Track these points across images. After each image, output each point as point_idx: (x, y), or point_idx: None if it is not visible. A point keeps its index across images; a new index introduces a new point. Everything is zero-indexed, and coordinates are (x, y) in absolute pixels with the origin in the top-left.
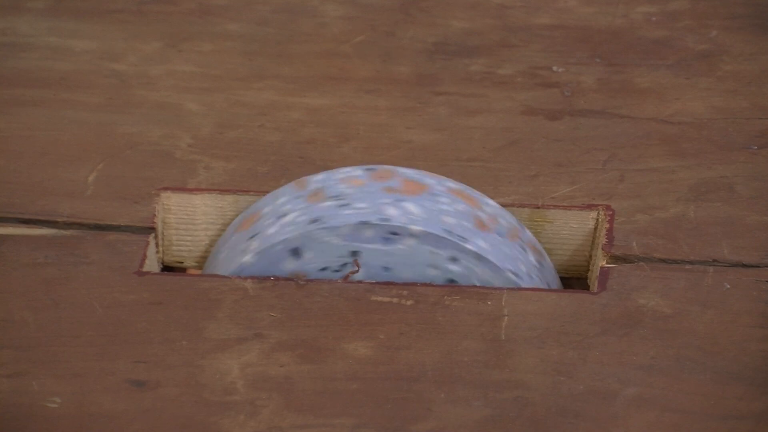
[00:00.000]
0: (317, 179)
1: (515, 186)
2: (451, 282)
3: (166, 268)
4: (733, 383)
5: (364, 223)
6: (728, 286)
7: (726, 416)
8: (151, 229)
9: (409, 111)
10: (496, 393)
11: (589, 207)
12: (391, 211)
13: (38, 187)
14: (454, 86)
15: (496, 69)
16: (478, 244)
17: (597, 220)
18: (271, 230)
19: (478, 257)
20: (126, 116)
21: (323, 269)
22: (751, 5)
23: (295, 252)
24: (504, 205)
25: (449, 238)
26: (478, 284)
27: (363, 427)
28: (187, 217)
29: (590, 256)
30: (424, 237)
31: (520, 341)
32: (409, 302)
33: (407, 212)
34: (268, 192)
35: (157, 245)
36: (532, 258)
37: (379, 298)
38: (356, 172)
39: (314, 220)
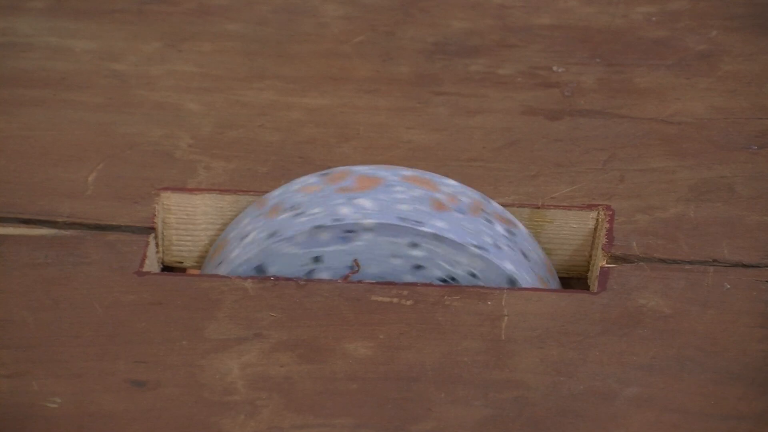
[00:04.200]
0: (275, 195)
1: (515, 186)
2: (418, 268)
3: (166, 268)
4: (733, 383)
5: (318, 227)
6: (728, 286)
7: (726, 416)
8: (151, 229)
9: (409, 111)
10: (496, 393)
11: (589, 207)
12: (344, 210)
13: (38, 187)
14: (454, 86)
15: (496, 69)
16: (436, 224)
17: (597, 220)
18: (235, 253)
19: (437, 237)
20: (126, 116)
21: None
22: (751, 5)
23: (260, 269)
24: (504, 205)
25: (404, 224)
26: (443, 264)
27: (363, 427)
28: (187, 217)
29: (590, 256)
30: (380, 228)
31: (520, 341)
32: (409, 302)
33: (360, 208)
34: (267, 192)
35: (157, 245)
36: (500, 228)
37: (379, 298)
38: (311, 179)
39: (272, 234)
